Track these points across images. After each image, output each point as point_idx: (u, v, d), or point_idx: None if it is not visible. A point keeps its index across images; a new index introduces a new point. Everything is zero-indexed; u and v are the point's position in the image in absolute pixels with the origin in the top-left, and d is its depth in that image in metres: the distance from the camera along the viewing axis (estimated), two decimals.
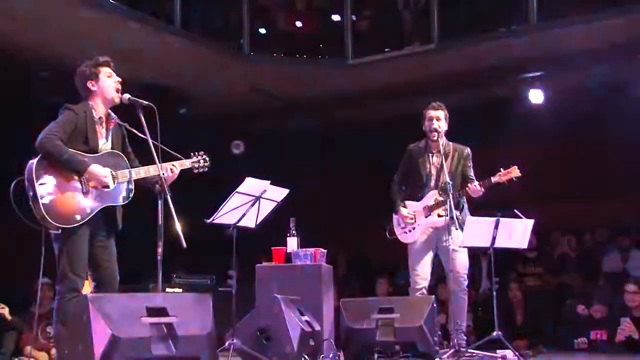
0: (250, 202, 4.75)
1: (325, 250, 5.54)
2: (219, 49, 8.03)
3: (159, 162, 4.16)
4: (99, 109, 4.27)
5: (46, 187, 3.95)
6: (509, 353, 5.39)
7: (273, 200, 4.94)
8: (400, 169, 5.82)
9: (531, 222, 5.70)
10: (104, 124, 4.28)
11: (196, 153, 4.51)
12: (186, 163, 4.42)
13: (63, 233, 4.03)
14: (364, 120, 9.60)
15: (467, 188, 5.53)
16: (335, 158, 10.13)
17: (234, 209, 4.70)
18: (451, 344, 5.37)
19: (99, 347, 3.40)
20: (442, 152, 5.57)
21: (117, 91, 4.28)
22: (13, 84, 7.43)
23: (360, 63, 8.36)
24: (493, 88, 8.65)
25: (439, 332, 5.54)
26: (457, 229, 5.38)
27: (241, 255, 4.97)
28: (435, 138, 5.58)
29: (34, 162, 3.97)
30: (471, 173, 5.70)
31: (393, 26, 8.71)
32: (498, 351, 5.49)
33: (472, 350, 5.48)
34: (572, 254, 8.66)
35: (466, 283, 5.62)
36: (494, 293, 5.68)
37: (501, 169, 5.52)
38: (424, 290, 5.60)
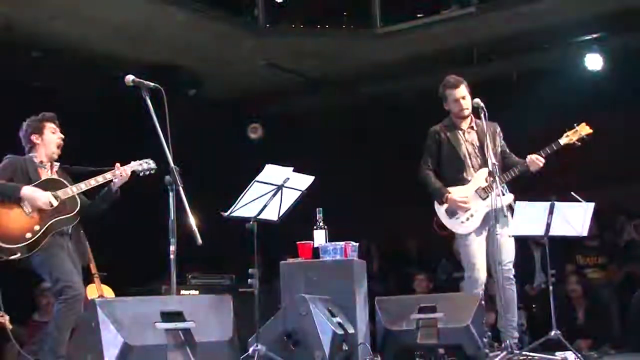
0: (272, 192, 4.79)
1: (357, 244, 5.56)
2: (230, 22, 8.06)
3: (169, 150, 4.23)
4: (40, 157, 5.03)
5: None
6: (569, 355, 5.39)
7: (297, 189, 4.97)
8: (428, 154, 5.79)
9: (591, 205, 5.68)
10: (47, 168, 5.03)
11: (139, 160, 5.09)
12: (128, 167, 5.05)
13: (33, 254, 4.73)
14: (395, 97, 9.59)
15: (526, 161, 5.55)
16: (364, 140, 10.13)
17: (253, 201, 4.74)
18: (503, 345, 5.38)
19: (109, 357, 3.48)
20: (474, 127, 5.70)
21: (59, 147, 5.05)
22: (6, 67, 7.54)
23: (390, 32, 8.33)
24: (542, 54, 8.57)
25: (489, 333, 5.55)
26: (505, 216, 5.37)
27: (263, 252, 5.02)
28: (466, 114, 5.69)
29: None
30: (506, 147, 5.78)
31: None
32: (557, 353, 5.50)
33: (527, 353, 5.48)
34: None
35: (513, 272, 5.61)
36: (551, 287, 5.67)
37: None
38: (483, 287, 5.61)
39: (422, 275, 8.63)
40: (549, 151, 5.59)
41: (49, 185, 4.93)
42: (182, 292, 7.25)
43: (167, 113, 4.22)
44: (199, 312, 3.81)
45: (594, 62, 8.46)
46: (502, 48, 8.48)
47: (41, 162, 5.02)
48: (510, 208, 5.54)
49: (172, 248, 4.12)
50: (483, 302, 5.30)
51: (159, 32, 7.84)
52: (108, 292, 6.62)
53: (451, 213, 5.67)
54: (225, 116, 9.52)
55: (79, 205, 4.96)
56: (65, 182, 4.99)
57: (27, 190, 4.78)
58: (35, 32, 7.38)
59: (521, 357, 5.39)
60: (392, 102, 9.61)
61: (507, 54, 8.57)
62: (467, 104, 5.68)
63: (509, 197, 5.62)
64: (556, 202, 5.60)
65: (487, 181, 5.59)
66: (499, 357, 5.26)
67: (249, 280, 4.55)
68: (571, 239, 5.98)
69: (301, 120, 9.99)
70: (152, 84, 4.35)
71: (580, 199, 5.67)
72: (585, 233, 5.81)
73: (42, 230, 4.78)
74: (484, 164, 5.60)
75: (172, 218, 4.14)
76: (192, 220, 4.05)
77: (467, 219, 5.63)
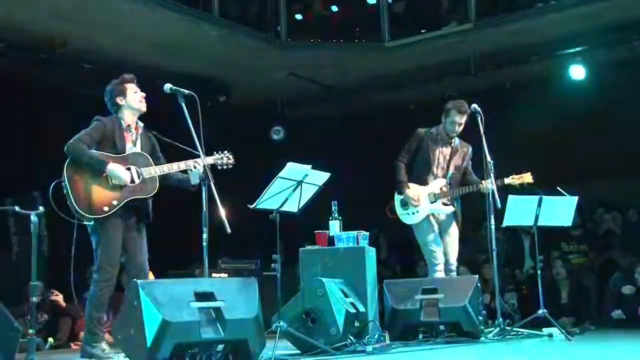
0: (292, 186, 4.76)
1: (367, 233, 5.53)
2: (257, 37, 8.04)
3: (202, 149, 4.22)
4: (127, 119, 4.64)
5: (77, 185, 4.40)
6: (555, 331, 5.34)
7: (315, 185, 4.93)
8: (407, 150, 5.98)
9: (575, 199, 5.62)
10: (133, 131, 4.65)
11: (219, 151, 4.70)
12: (208, 160, 4.57)
13: (98, 226, 4.44)
14: (401, 103, 9.53)
15: (480, 184, 5.69)
16: (373, 141, 10.08)
17: (276, 194, 4.71)
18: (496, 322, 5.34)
19: (150, 331, 3.48)
20: (451, 144, 5.90)
21: (141, 101, 4.65)
22: (57, 79, 7.57)
23: (397, 45, 8.28)
24: (533, 65, 8.48)
25: (484, 312, 5.50)
26: (458, 223, 5.84)
27: (284, 240, 4.99)
28: (453, 136, 5.88)
29: (66, 164, 4.41)
30: (470, 168, 5.98)
31: (429, 6, 8.61)
32: (544, 329, 5.45)
33: (518, 329, 5.44)
34: (618, 230, 8.47)
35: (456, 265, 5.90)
36: (538, 272, 5.62)
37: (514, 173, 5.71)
38: (443, 267, 5.77)
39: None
40: (498, 184, 5.64)
41: (135, 159, 4.57)
42: (213, 275, 7.23)
43: (200, 117, 4.21)
44: (228, 292, 3.79)
45: (577, 72, 8.37)
46: (496, 60, 8.41)
47: (128, 126, 4.62)
48: (455, 216, 5.89)
49: (205, 236, 4.12)
50: (479, 285, 5.26)
51: (194, 46, 7.84)
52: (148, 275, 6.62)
53: (404, 204, 5.93)
54: (252, 120, 9.51)
55: (157, 186, 4.57)
56: (149, 159, 4.60)
57: (112, 167, 4.42)
58: (87, 47, 7.41)
59: (512, 333, 5.36)
60: (398, 108, 9.55)
61: (501, 66, 8.49)
62: (459, 130, 5.87)
63: (450, 208, 5.87)
64: (544, 196, 5.55)
65: (440, 190, 5.82)
66: (493, 332, 5.23)
67: (272, 265, 4.52)
68: (557, 228, 5.91)
69: (319, 123, 9.95)
70: (187, 91, 4.35)
71: (565, 194, 5.61)
72: (569, 223, 5.76)
73: (118, 206, 4.44)
74: (445, 175, 5.88)
75: (205, 210, 4.14)
76: (222, 212, 4.03)
77: (413, 213, 5.90)
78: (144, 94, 4.67)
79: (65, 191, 4.35)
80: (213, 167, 4.60)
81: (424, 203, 5.85)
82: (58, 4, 6.65)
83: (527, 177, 5.64)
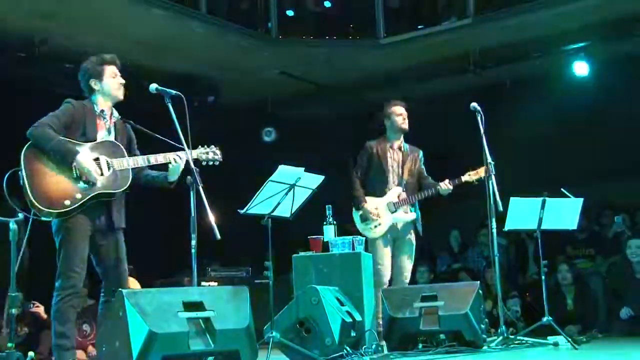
0: (285, 190, 4.76)
1: (364, 238, 5.54)
2: (246, 34, 8.04)
3: (190, 153, 4.21)
4: (100, 104, 4.37)
5: (36, 174, 4.06)
6: (560, 339, 5.35)
7: (308, 188, 4.95)
8: (360, 164, 6.15)
9: (580, 201, 5.64)
10: (107, 118, 4.38)
11: (205, 145, 4.54)
12: (189, 153, 4.27)
13: (60, 225, 4.14)
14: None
15: (439, 186, 5.90)
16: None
17: (268, 199, 4.71)
18: (499, 331, 5.35)
19: (136, 343, 3.48)
20: (401, 149, 6.09)
21: (119, 88, 4.37)
22: (37, 78, 7.54)
23: (393, 42, 8.29)
24: (533, 62, 8.52)
25: (486, 320, 5.51)
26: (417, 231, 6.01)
27: (277, 246, 4.99)
28: (405, 129, 6.07)
29: (24, 149, 4.10)
30: (425, 172, 6.19)
31: (426, 1, 8.64)
32: (549, 337, 5.46)
33: (522, 337, 5.45)
34: (629, 233, 8.49)
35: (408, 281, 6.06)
36: (543, 277, 5.63)
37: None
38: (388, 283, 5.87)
39: (424, 267, 8.56)
40: (456, 182, 5.86)
41: (106, 149, 4.26)
42: (203, 283, 7.23)
43: (187, 118, 4.21)
44: (218, 302, 3.79)
45: (580, 68, 8.40)
46: (496, 57, 8.44)
47: (101, 111, 4.33)
48: (415, 226, 6.03)
49: (193, 243, 4.12)
50: (480, 292, 5.27)
51: (181, 44, 7.83)
52: (134, 284, 6.61)
53: (364, 219, 5.99)
54: (242, 121, 9.50)
55: (129, 180, 4.26)
56: (123, 149, 4.30)
57: (81, 159, 4.09)
58: (68, 46, 7.40)
59: (516, 342, 5.37)
60: None
61: (501, 62, 8.52)
62: (406, 122, 6.09)
63: (412, 215, 6.00)
64: (547, 198, 5.57)
65: (398, 198, 5.96)
66: (496, 342, 5.24)
67: (264, 272, 4.52)
68: (561, 232, 5.94)
69: (311, 124, 9.95)
70: (174, 91, 4.34)
71: (570, 195, 5.63)
72: (574, 226, 5.78)
73: (82, 201, 4.10)
74: (400, 182, 6.02)
75: (193, 215, 4.14)
76: (212, 217, 4.03)
77: (375, 227, 5.97)
78: (122, 81, 4.39)
79: (21, 181, 4.03)
80: (197, 162, 4.36)
81: (384, 214, 5.96)
82: (38, 0, 6.64)
83: (482, 171, 5.69)
